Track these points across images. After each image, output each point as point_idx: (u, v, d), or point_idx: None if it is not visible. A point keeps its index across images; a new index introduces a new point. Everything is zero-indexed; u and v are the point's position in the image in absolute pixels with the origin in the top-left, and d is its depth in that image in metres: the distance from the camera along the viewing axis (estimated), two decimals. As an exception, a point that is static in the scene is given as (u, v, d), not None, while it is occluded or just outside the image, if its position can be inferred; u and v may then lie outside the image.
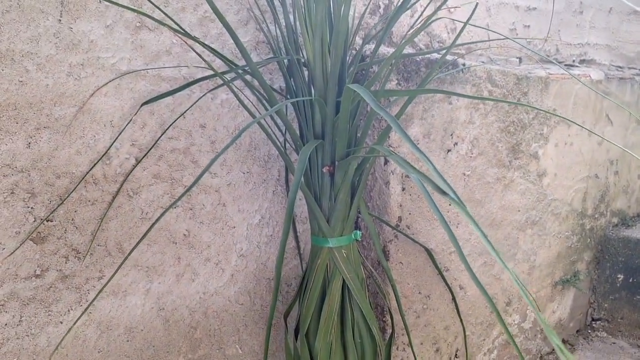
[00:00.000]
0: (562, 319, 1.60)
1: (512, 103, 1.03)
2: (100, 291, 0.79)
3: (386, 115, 0.59)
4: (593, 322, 1.71)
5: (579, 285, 1.57)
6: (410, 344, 0.99)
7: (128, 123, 0.83)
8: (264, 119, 0.96)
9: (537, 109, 0.87)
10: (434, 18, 0.98)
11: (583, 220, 1.55)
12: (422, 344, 1.21)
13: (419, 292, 1.16)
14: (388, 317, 1.13)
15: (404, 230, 1.08)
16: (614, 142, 1.60)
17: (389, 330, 1.12)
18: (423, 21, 0.90)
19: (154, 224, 0.79)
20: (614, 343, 1.62)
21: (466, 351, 1.28)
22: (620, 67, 1.76)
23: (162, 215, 0.79)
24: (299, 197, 1.08)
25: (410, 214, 1.09)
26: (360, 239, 0.94)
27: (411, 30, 1.15)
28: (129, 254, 0.79)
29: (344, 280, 0.91)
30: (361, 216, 1.11)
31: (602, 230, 1.63)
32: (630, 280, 1.57)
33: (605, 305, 1.65)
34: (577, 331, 1.70)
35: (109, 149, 0.81)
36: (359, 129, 0.93)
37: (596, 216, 1.60)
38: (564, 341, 1.64)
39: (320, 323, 0.90)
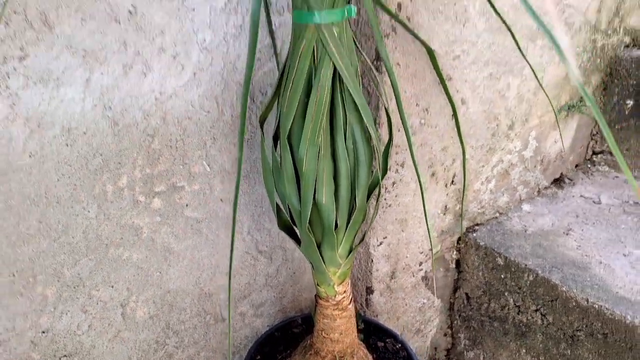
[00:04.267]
0: (562, 151, 1.54)
1: None
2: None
3: None
4: (594, 156, 1.66)
5: (585, 112, 1.49)
6: (411, 153, 0.89)
7: None
8: None
9: None
10: None
11: (595, 35, 1.43)
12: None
13: (417, 104, 1.05)
14: (381, 129, 1.02)
15: (403, 21, 0.94)
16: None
17: (383, 143, 1.02)
18: None
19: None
20: (616, 177, 1.58)
21: (464, 177, 1.21)
22: None
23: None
24: (274, -22, 0.91)
25: (411, 1, 0.94)
26: (354, 16, 0.79)
27: None
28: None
29: (334, 68, 0.78)
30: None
31: (613, 49, 1.52)
32: (642, 106, 1.50)
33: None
34: (576, 166, 1.65)
35: None
36: None
37: (609, 32, 1.48)
38: (562, 176, 1.59)
39: (306, 122, 0.78)
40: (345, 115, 0.80)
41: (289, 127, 0.79)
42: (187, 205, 0.95)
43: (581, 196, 1.53)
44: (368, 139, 0.83)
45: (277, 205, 0.91)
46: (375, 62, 0.98)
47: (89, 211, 0.84)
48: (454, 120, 1.12)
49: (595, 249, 1.28)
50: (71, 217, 0.82)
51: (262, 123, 0.87)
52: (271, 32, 0.93)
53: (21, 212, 0.77)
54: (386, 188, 1.08)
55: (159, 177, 0.89)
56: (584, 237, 1.34)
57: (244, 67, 0.92)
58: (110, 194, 0.85)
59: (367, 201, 0.87)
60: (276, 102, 0.86)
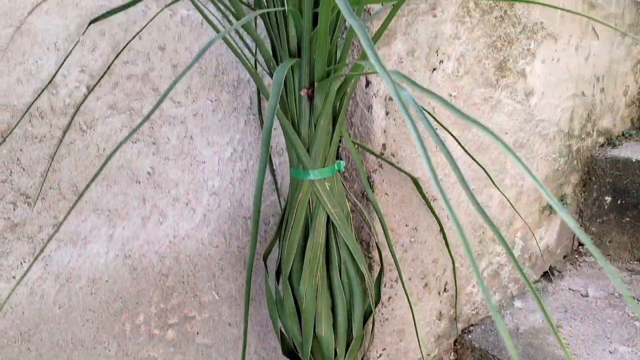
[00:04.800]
0: (549, 246, 1.64)
1: None
2: (49, 238, 0.75)
3: (354, 22, 0.51)
4: (580, 247, 1.76)
5: (567, 209, 1.60)
6: (400, 279, 0.99)
7: (75, 45, 0.76)
8: (232, 38, 0.90)
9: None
10: None
11: (570, 141, 1.56)
12: (410, 279, 1.22)
13: (406, 225, 1.16)
14: (374, 252, 1.12)
15: (388, 158, 1.06)
16: (600, 56, 1.59)
17: (377, 267, 1.12)
18: None
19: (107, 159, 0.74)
20: (602, 268, 1.67)
21: (455, 284, 1.30)
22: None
23: (116, 149, 0.74)
24: (273, 127, 1.03)
25: (394, 140, 1.06)
26: (343, 170, 0.91)
27: None
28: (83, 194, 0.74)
29: (328, 215, 0.88)
30: (343, 145, 1.08)
31: (588, 151, 1.64)
32: (619, 202, 1.60)
33: (593, 229, 1.69)
34: (564, 257, 1.75)
35: (54, 76, 0.75)
36: (338, 47, 0.88)
37: (583, 136, 1.61)
38: (551, 268, 1.68)
39: (304, 264, 0.88)
40: (339, 255, 0.90)
41: (290, 268, 0.89)
42: (197, 333, 1.04)
43: (569, 289, 1.62)
44: (361, 275, 0.92)
45: (281, 331, 0.99)
46: (365, 193, 1.09)
47: (109, 350, 0.92)
48: (441, 234, 1.23)
49: (582, 346, 1.35)
50: (93, 357, 0.90)
51: (265, 259, 0.97)
52: (272, 171, 1.05)
53: (50, 358, 0.85)
54: (382, 303, 1.17)
55: (172, 311, 0.98)
56: (572, 334, 1.41)
57: (249, 203, 1.03)
58: (128, 332, 0.94)
59: (363, 327, 0.95)
60: (277, 241, 0.96)
